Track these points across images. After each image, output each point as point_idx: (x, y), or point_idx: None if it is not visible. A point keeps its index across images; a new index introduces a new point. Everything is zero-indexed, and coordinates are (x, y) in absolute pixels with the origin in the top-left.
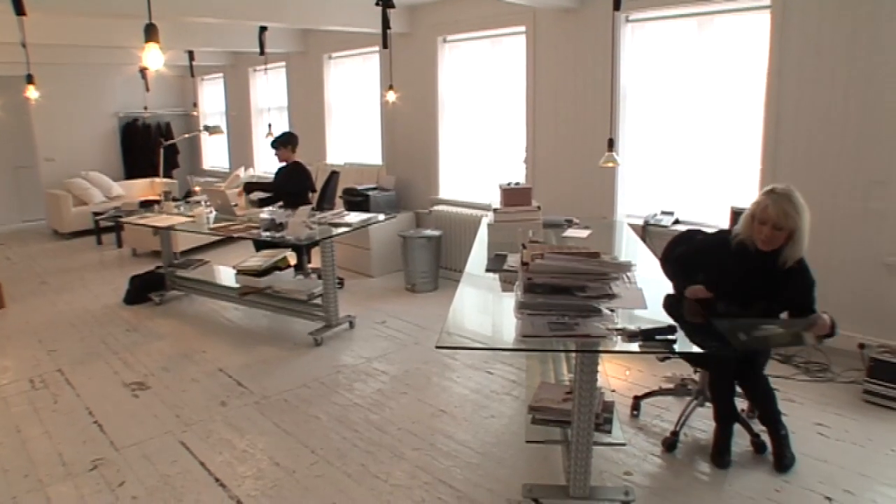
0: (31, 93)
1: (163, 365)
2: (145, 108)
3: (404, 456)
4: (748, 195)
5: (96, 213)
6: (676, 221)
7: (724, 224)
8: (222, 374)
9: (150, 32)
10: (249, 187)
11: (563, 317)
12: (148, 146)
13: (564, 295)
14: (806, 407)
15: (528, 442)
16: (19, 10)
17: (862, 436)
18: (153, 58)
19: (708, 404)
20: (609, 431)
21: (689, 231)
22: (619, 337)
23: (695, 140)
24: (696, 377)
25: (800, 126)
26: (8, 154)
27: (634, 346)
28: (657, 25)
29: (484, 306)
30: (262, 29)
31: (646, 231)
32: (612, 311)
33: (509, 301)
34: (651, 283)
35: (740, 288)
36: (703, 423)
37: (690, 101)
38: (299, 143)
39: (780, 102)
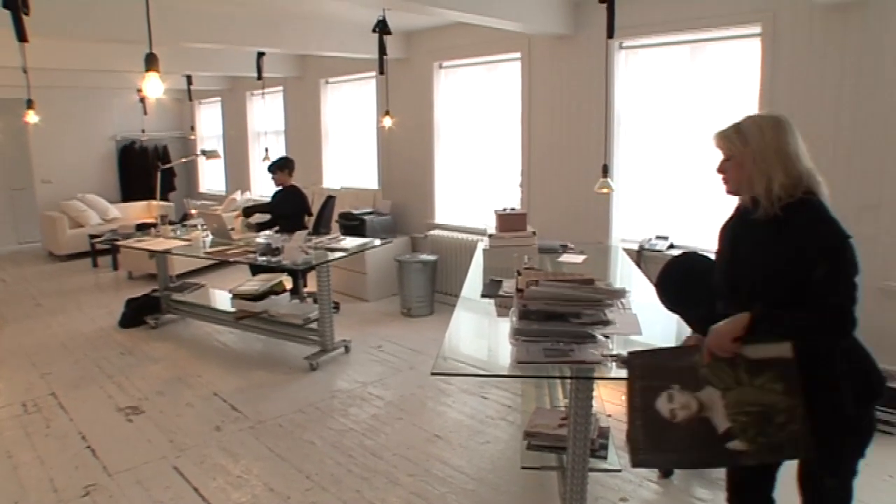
0: (31, 117)
1: (157, 389)
2: (143, 131)
3: (399, 482)
4: None
5: (92, 236)
6: (671, 246)
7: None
8: (217, 398)
9: (151, 62)
10: (249, 211)
11: (558, 343)
12: (145, 169)
13: (559, 321)
14: None
15: (523, 468)
16: (21, 36)
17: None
18: (153, 86)
19: None
20: (605, 457)
21: (685, 254)
22: (613, 363)
23: (689, 165)
24: None
25: None
26: (4, 176)
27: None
28: (650, 52)
29: (479, 331)
30: (260, 54)
31: (641, 256)
32: (606, 337)
33: (504, 326)
34: (646, 309)
35: (731, 259)
36: None
37: (684, 127)
38: (296, 168)
39: None
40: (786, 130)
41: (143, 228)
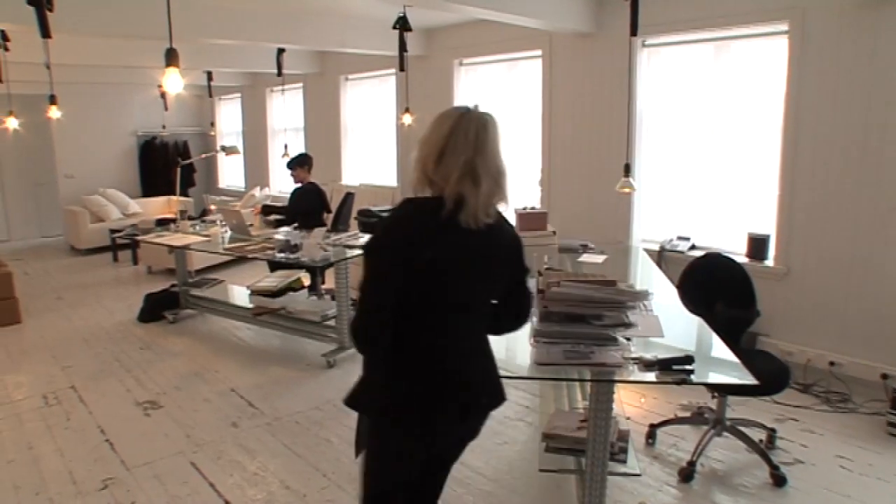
0: (54, 113)
1: (175, 384)
2: (164, 126)
3: None
4: (766, 221)
5: (113, 231)
6: (693, 247)
7: (742, 250)
8: (234, 394)
9: (171, 57)
10: (267, 209)
11: (578, 345)
12: (165, 164)
13: (580, 323)
14: (827, 439)
15: (541, 471)
16: (45, 32)
17: (887, 470)
18: (173, 82)
19: (726, 434)
20: (624, 461)
21: (708, 255)
22: (635, 366)
23: (712, 165)
24: (713, 405)
25: (818, 151)
26: (28, 171)
27: (651, 376)
28: (674, 50)
29: None
30: (280, 50)
31: (662, 256)
32: (628, 339)
33: (524, 326)
34: (667, 310)
35: None
36: (720, 452)
37: (707, 127)
38: (314, 164)
39: (799, 128)
40: (434, 125)
41: (162, 224)
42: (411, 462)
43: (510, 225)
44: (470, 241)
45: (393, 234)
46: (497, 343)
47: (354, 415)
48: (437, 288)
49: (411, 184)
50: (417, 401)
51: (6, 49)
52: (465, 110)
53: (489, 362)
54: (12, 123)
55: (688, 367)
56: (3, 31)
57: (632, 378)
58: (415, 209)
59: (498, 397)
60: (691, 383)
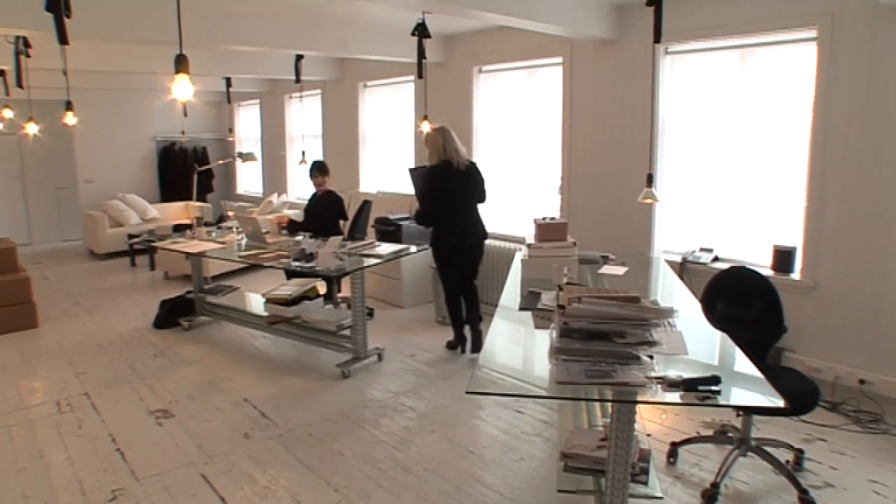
0: (70, 119)
1: (188, 392)
2: (183, 132)
3: (430, 499)
4: (792, 233)
5: (131, 236)
6: (716, 259)
7: (766, 262)
8: (247, 404)
9: (181, 63)
10: (294, 226)
11: (599, 363)
12: (184, 170)
13: (602, 340)
14: (858, 461)
15: (559, 491)
16: (63, 39)
17: None
18: (182, 89)
19: (751, 454)
20: (645, 483)
21: (732, 268)
22: (659, 386)
23: (736, 176)
24: (738, 424)
25: (848, 161)
26: (50, 175)
27: (675, 397)
28: (697, 58)
29: (517, 345)
30: (299, 57)
31: (684, 268)
32: (651, 357)
33: (543, 338)
34: (690, 325)
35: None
36: (745, 473)
37: (732, 136)
38: (330, 172)
39: (827, 137)
40: (432, 135)
41: (179, 229)
42: (449, 264)
43: (473, 164)
44: (460, 174)
45: (434, 172)
46: (514, 357)
47: (367, 429)
48: (452, 195)
49: (429, 158)
50: (444, 238)
51: (27, 55)
52: (442, 127)
53: (476, 226)
54: (32, 129)
55: (714, 387)
56: (24, 38)
57: (655, 398)
58: (442, 164)
59: (477, 238)
60: (717, 405)
